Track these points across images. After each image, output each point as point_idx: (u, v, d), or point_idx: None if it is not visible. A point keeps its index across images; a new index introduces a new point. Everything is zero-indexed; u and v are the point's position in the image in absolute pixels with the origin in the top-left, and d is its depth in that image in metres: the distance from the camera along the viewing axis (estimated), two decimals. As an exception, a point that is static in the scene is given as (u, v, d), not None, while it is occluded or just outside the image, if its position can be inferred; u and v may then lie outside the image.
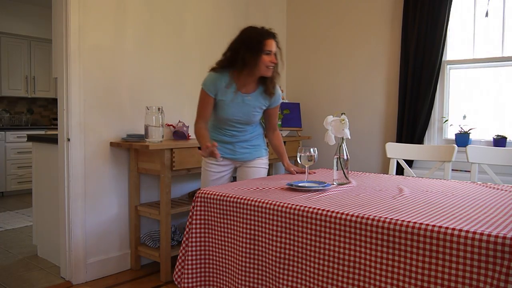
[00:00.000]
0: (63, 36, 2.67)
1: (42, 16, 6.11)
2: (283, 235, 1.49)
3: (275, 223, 1.51)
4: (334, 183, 1.89)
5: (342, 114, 1.90)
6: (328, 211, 1.40)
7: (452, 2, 3.26)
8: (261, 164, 2.39)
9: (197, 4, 3.45)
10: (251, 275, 1.57)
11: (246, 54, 2.07)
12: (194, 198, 1.74)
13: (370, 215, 1.31)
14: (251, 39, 2.08)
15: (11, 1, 5.97)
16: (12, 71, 5.97)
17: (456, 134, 3.30)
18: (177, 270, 1.75)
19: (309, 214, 1.43)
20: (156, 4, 3.15)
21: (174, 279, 1.76)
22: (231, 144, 2.30)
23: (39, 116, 6.63)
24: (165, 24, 3.22)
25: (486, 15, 3.16)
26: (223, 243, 1.66)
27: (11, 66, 5.95)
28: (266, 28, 2.14)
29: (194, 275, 1.71)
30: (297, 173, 2.26)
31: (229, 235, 1.64)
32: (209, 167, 2.32)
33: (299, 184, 1.79)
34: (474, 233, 1.12)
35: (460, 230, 1.14)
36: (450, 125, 3.44)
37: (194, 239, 1.71)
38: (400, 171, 2.89)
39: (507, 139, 3.11)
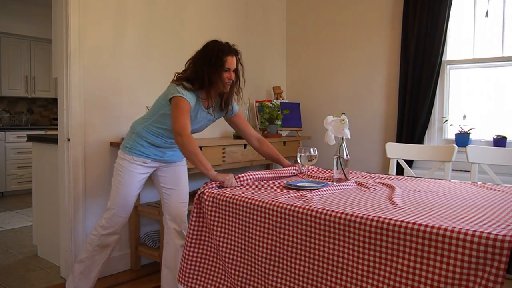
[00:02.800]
0: (63, 36, 2.67)
1: (42, 16, 6.11)
2: (274, 233, 1.51)
3: (267, 220, 1.53)
4: (334, 183, 1.89)
5: (342, 114, 1.90)
6: (316, 210, 1.41)
7: (452, 2, 3.26)
8: (184, 164, 2.45)
9: (197, 4, 3.45)
10: (242, 269, 1.60)
11: (209, 71, 2.08)
12: (196, 197, 1.76)
13: (358, 214, 1.32)
14: (211, 56, 2.09)
15: (11, 1, 5.97)
16: (12, 71, 5.97)
17: (456, 134, 3.30)
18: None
19: (298, 214, 1.44)
20: (156, 4, 3.15)
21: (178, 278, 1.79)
22: (164, 148, 2.28)
23: (39, 116, 6.63)
24: (165, 24, 3.22)
25: (486, 15, 3.16)
26: (221, 239, 1.68)
27: (11, 66, 5.95)
28: (229, 44, 2.15)
29: (191, 271, 1.74)
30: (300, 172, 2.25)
31: (224, 233, 1.67)
32: (134, 168, 2.23)
33: (298, 184, 1.80)
34: (462, 232, 1.12)
35: (446, 229, 1.15)
36: (450, 125, 3.44)
37: (191, 236, 1.76)
38: (400, 171, 2.89)
39: (507, 139, 3.11)
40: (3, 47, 5.87)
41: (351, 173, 2.19)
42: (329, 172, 2.19)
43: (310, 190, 1.73)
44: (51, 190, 3.06)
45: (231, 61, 2.12)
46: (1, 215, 4.58)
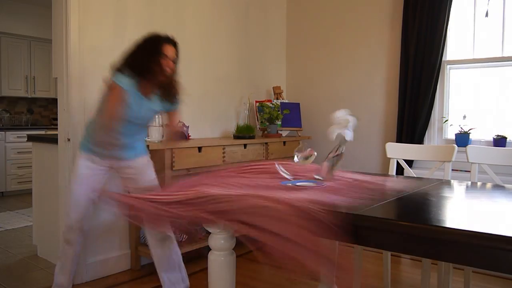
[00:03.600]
0: (63, 36, 2.67)
1: (42, 16, 6.10)
2: None
3: None
4: (320, 178, 1.82)
5: (350, 114, 1.87)
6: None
7: (452, 2, 3.27)
8: (145, 160, 2.40)
9: (197, 4, 3.45)
10: None
11: (147, 58, 2.11)
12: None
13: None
14: (149, 43, 2.13)
15: (11, 1, 5.97)
16: (12, 71, 5.97)
17: (456, 134, 3.30)
18: None
19: None
20: (156, 4, 3.15)
21: None
22: (109, 144, 2.24)
23: (39, 116, 6.63)
24: (165, 24, 3.21)
25: (486, 15, 3.16)
26: None
27: (11, 66, 5.95)
28: (167, 35, 2.18)
29: None
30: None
31: None
32: (83, 162, 2.25)
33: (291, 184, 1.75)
34: None
35: None
36: (450, 125, 3.44)
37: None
38: (400, 171, 2.89)
39: (507, 139, 3.12)
40: (3, 47, 5.86)
41: (349, 172, 2.16)
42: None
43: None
44: (51, 190, 3.06)
45: (168, 48, 2.14)
46: (1, 215, 4.58)
